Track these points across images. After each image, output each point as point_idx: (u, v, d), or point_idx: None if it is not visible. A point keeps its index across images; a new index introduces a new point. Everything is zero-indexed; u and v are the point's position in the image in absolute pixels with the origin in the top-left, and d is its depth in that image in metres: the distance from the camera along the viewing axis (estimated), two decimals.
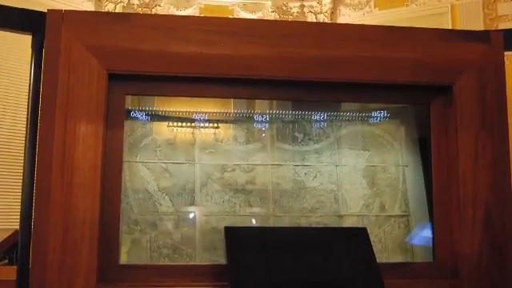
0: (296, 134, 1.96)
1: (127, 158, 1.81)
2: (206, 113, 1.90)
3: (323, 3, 5.71)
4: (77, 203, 1.56)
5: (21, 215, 1.60)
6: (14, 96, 4.59)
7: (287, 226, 1.86)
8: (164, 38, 1.67)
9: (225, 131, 1.92)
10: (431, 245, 1.83)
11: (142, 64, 1.66)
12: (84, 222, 1.56)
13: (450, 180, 1.81)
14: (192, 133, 1.90)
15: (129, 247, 1.76)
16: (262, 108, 1.95)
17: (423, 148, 1.94)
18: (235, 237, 1.66)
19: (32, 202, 1.59)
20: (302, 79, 1.75)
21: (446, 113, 1.85)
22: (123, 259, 1.73)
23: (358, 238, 1.73)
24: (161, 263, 1.76)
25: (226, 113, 1.93)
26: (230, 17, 5.34)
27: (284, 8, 5.63)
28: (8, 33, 1.72)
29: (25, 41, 1.72)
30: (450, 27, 4.76)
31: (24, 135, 1.64)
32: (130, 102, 1.83)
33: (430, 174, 1.85)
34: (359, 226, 1.89)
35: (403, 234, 1.92)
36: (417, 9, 5.19)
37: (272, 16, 5.66)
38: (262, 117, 1.94)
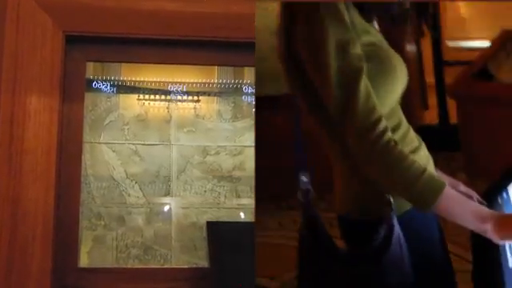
0: None
1: (88, 138, 1.72)
2: (184, 83, 1.80)
3: None
4: (27, 194, 1.49)
5: None
6: None
7: None
8: None
9: (207, 105, 1.82)
10: None
11: (106, 24, 1.58)
12: (36, 216, 1.48)
13: None
14: (167, 107, 1.81)
15: (90, 246, 1.69)
16: (252, 77, 1.82)
17: None
18: (219, 234, 1.60)
19: None
20: None
21: None
22: (83, 261, 1.65)
23: None
24: (129, 266, 1.68)
25: (209, 83, 1.82)
26: None
27: None
28: None
29: None
30: None
31: None
32: (91, 69, 1.74)
33: None
34: None
35: None
36: None
37: None
38: (253, 88, 1.82)
